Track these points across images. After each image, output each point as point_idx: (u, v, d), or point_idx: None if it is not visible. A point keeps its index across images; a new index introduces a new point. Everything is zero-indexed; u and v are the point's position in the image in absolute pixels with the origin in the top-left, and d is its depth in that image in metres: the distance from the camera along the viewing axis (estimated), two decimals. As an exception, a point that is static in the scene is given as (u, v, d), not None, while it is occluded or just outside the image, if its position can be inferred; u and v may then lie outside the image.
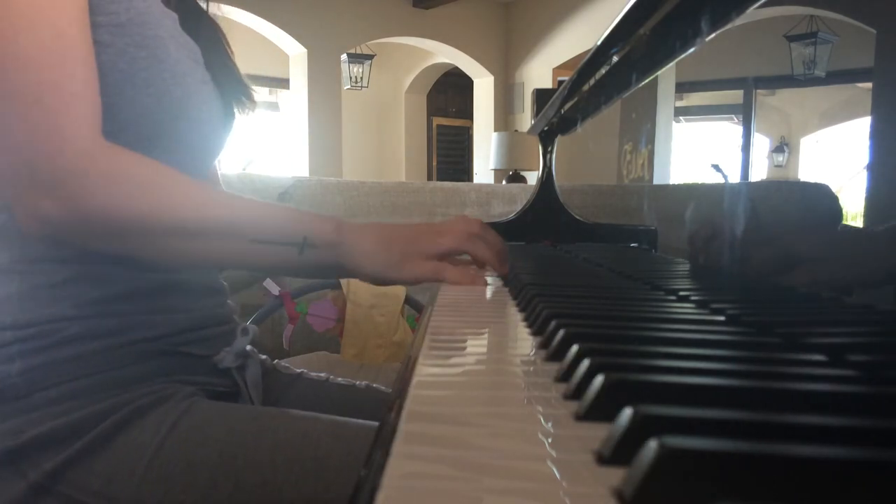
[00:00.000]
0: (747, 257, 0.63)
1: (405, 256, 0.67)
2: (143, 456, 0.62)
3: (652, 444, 0.18)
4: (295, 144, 6.33)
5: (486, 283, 0.71)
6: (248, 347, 0.80)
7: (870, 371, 0.30)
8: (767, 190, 0.70)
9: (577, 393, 0.28)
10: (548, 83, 6.07)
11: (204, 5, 0.82)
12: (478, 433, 0.25)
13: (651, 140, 1.08)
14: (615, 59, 0.82)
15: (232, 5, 5.50)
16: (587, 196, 1.43)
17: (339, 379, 0.88)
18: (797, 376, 0.31)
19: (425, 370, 0.33)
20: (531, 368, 0.35)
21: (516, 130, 6.18)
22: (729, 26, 0.58)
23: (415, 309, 1.72)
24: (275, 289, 1.62)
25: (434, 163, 8.41)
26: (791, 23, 0.61)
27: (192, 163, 0.75)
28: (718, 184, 0.75)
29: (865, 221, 0.46)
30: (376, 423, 0.30)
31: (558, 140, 1.32)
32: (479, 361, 0.39)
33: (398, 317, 1.68)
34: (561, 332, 0.37)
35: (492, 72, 6.96)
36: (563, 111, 1.17)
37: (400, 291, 1.69)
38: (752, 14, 0.55)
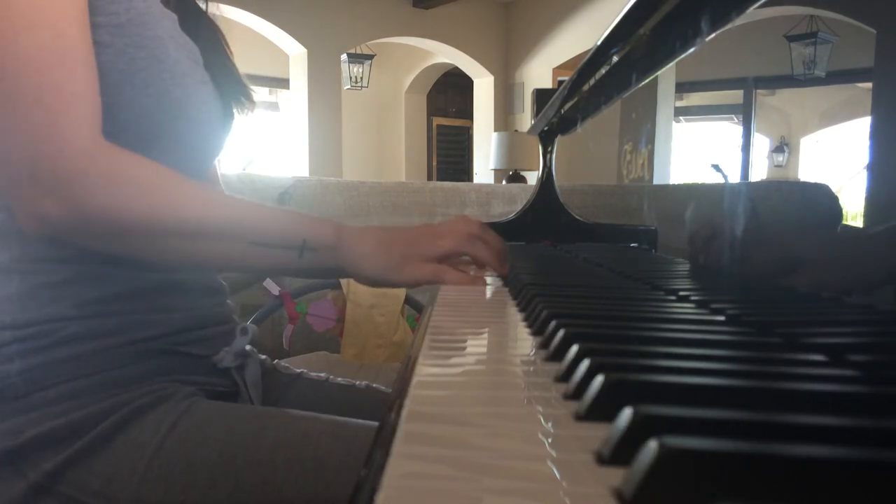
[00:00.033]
0: (747, 257, 0.63)
1: (405, 259, 0.68)
2: (143, 456, 0.62)
3: (652, 444, 0.18)
4: (295, 144, 6.33)
5: (485, 284, 0.71)
6: (248, 347, 0.80)
7: (870, 371, 0.30)
8: (767, 190, 0.70)
9: (577, 393, 0.28)
10: (548, 83, 6.07)
11: (203, 6, 0.82)
12: (478, 433, 0.25)
13: (651, 140, 1.08)
14: (615, 59, 0.82)
15: (232, 5, 5.50)
16: (587, 196, 1.43)
17: (339, 379, 0.88)
18: (797, 376, 0.31)
19: (425, 370, 0.33)
20: (531, 368, 0.35)
21: (516, 130, 6.18)
22: (729, 26, 0.58)
23: (415, 309, 1.72)
24: (275, 289, 1.62)
25: (434, 163, 8.41)
26: (791, 23, 0.61)
27: (192, 163, 0.75)
28: (718, 184, 0.75)
29: (865, 221, 0.46)
30: (376, 423, 0.30)
31: (558, 140, 1.32)
32: (479, 361, 0.39)
33: (398, 317, 1.68)
34: (561, 332, 0.37)
35: (492, 72, 6.96)
36: (563, 111, 1.17)
37: (400, 291, 1.69)
38: (752, 14, 0.55)
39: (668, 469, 0.18)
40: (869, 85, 0.49)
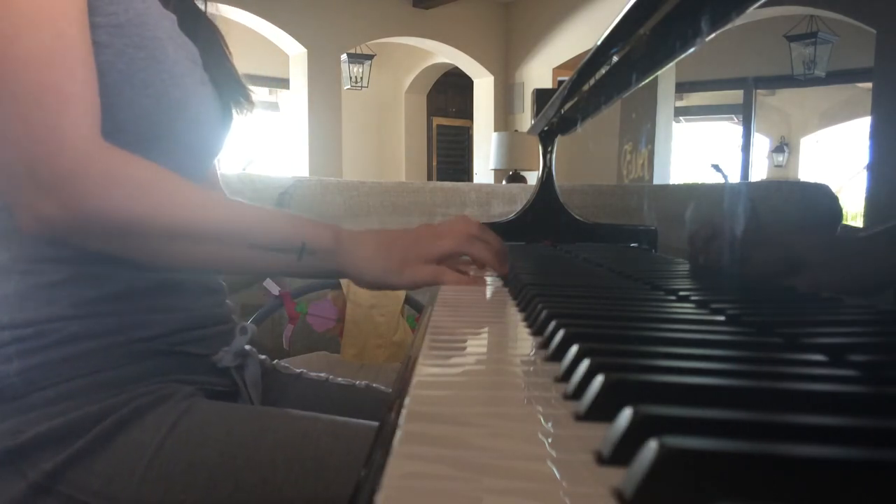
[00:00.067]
0: (747, 257, 0.63)
1: (404, 261, 0.68)
2: (144, 456, 0.62)
3: (652, 444, 0.18)
4: (295, 144, 6.33)
5: (486, 284, 0.71)
6: (248, 347, 0.80)
7: (870, 371, 0.30)
8: (767, 190, 0.70)
9: (577, 393, 0.28)
10: (548, 83, 6.07)
11: (202, 6, 0.82)
12: (478, 433, 0.25)
13: (651, 140, 1.08)
14: (615, 59, 0.82)
15: (232, 5, 5.50)
16: (587, 196, 1.43)
17: (339, 379, 0.88)
18: (797, 376, 0.31)
19: (425, 370, 0.33)
20: (531, 368, 0.35)
21: (516, 130, 6.18)
22: (729, 26, 0.58)
23: (415, 309, 1.72)
24: (275, 289, 1.62)
25: (434, 163, 8.41)
26: (791, 23, 0.61)
27: (191, 163, 0.75)
28: (718, 184, 0.75)
29: (865, 221, 0.46)
30: (376, 423, 0.30)
31: (558, 140, 1.32)
32: (479, 361, 0.39)
33: (398, 317, 1.68)
34: (561, 332, 0.37)
35: (492, 72, 6.95)
36: (563, 111, 1.17)
37: (400, 292, 1.69)
38: (752, 14, 0.55)
39: (668, 469, 0.18)
40: (869, 85, 0.49)
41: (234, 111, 0.82)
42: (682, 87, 0.97)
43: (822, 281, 0.50)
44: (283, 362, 0.90)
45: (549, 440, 0.24)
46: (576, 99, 1.08)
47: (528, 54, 6.70)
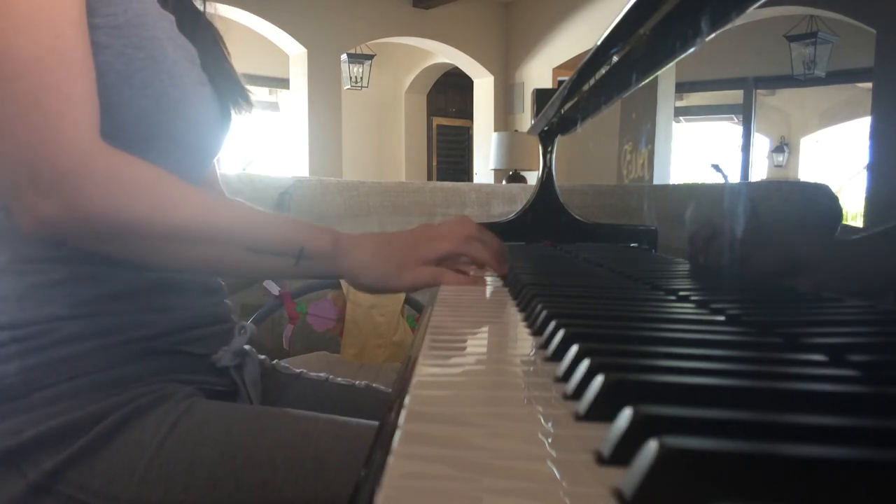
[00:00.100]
0: (747, 257, 0.63)
1: (402, 264, 0.68)
2: (144, 455, 0.62)
3: (652, 444, 0.18)
4: (295, 144, 6.33)
5: (486, 284, 0.71)
6: (247, 347, 0.80)
7: (870, 371, 0.30)
8: (767, 190, 0.70)
9: (577, 393, 0.28)
10: (548, 83, 6.07)
11: (201, 7, 0.82)
12: (478, 433, 0.25)
13: (651, 140, 1.08)
14: (615, 59, 0.82)
15: (232, 5, 5.50)
16: (587, 196, 1.43)
17: (339, 379, 0.88)
18: (797, 376, 0.31)
19: (425, 370, 0.33)
20: (531, 368, 0.35)
21: (516, 130, 6.18)
22: (729, 26, 0.58)
23: (415, 309, 1.72)
24: (275, 289, 1.62)
25: (434, 163, 8.41)
26: (791, 23, 0.61)
27: (190, 164, 0.75)
28: (718, 184, 0.75)
29: (865, 221, 0.46)
30: (376, 423, 0.30)
31: (558, 140, 1.32)
32: (479, 361, 0.39)
33: (398, 317, 1.69)
34: (561, 332, 0.37)
35: (492, 72, 6.95)
36: (563, 111, 1.17)
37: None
38: (752, 14, 0.55)
39: (668, 469, 0.18)
40: (869, 85, 0.49)
41: (232, 111, 0.82)
42: (682, 87, 0.97)
43: (822, 281, 0.50)
44: (283, 362, 0.90)
45: (549, 440, 0.24)
46: (576, 99, 1.08)
47: (528, 54, 6.70)
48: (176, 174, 0.64)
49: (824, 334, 0.37)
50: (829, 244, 0.53)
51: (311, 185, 2.11)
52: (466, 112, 8.01)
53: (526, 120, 6.58)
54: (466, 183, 3.88)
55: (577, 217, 1.28)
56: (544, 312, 0.44)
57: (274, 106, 7.54)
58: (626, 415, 0.22)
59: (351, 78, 6.68)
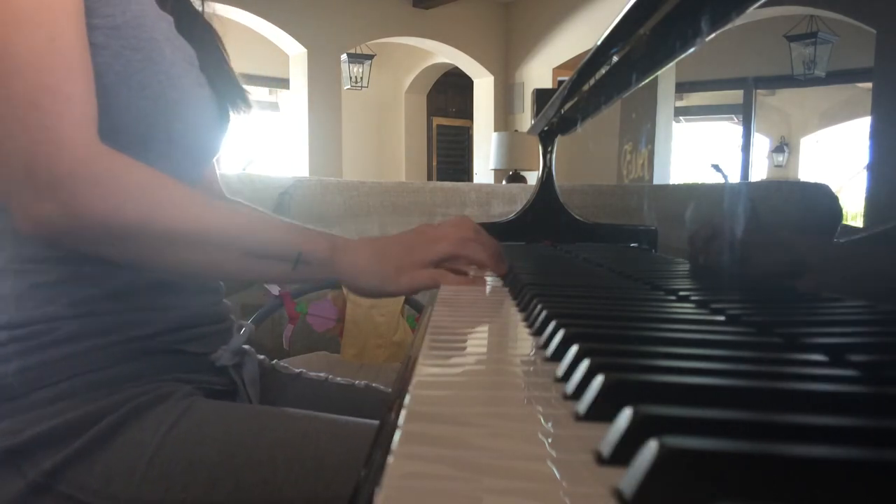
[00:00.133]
0: (747, 257, 0.63)
1: (401, 268, 0.68)
2: (143, 455, 0.62)
3: (652, 444, 0.18)
4: (295, 144, 6.33)
5: (485, 284, 0.71)
6: (246, 346, 0.80)
7: (870, 371, 0.30)
8: (767, 190, 0.70)
9: (577, 393, 0.28)
10: (548, 83, 6.07)
11: (199, 7, 0.82)
12: (478, 433, 0.25)
13: (651, 140, 1.08)
14: (615, 59, 0.82)
15: (232, 5, 5.50)
16: (587, 196, 1.43)
17: (339, 379, 0.88)
18: (797, 376, 0.31)
19: (425, 370, 0.33)
20: (531, 368, 0.35)
21: (516, 130, 6.18)
22: (729, 26, 0.58)
23: (415, 309, 1.72)
24: (275, 289, 1.62)
25: (434, 163, 8.41)
26: (791, 23, 0.61)
27: (188, 165, 0.75)
28: (718, 184, 0.75)
29: (865, 221, 0.46)
30: (375, 422, 0.30)
31: (558, 140, 1.32)
32: (479, 361, 0.39)
33: (398, 317, 1.68)
34: (561, 332, 0.37)
35: (492, 72, 6.95)
36: (563, 111, 1.17)
37: (400, 291, 1.69)
38: (752, 14, 0.55)
39: (668, 469, 0.18)
40: (869, 85, 0.49)
41: (231, 112, 0.82)
42: (682, 87, 0.96)
43: (822, 281, 0.50)
44: (283, 362, 0.90)
45: (549, 440, 0.24)
46: (576, 99, 1.08)
47: (528, 54, 6.70)
48: (174, 175, 0.64)
49: (824, 334, 0.37)
50: (828, 244, 0.53)
51: (311, 186, 2.11)
52: (466, 112, 8.01)
53: (526, 120, 6.58)
54: (466, 183, 3.88)
55: (577, 217, 1.28)
56: (544, 312, 0.44)
57: (274, 106, 7.54)
58: (625, 415, 0.22)
59: (351, 78, 6.67)
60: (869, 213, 0.46)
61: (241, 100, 0.83)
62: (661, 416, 0.21)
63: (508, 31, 6.98)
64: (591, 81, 0.95)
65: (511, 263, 0.76)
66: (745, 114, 0.74)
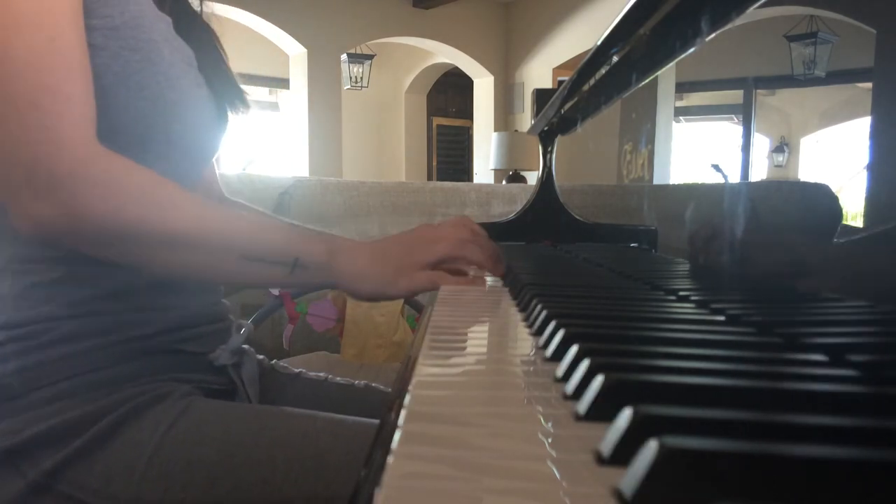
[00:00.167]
0: (747, 257, 0.63)
1: (399, 271, 0.68)
2: (143, 454, 0.62)
3: (652, 444, 0.18)
4: (295, 144, 6.33)
5: (485, 284, 0.71)
6: (245, 346, 0.80)
7: (870, 371, 0.30)
8: (767, 190, 0.70)
9: (577, 393, 0.28)
10: (548, 83, 6.07)
11: (197, 8, 0.82)
12: (478, 433, 0.25)
13: (651, 140, 1.08)
14: (615, 59, 0.82)
15: (231, 5, 5.50)
16: (587, 196, 1.43)
17: (338, 378, 0.88)
18: (797, 376, 0.31)
19: (425, 370, 0.33)
20: (531, 368, 0.35)
21: (516, 130, 6.18)
22: (729, 26, 0.58)
23: (415, 309, 1.72)
24: (275, 289, 1.62)
25: (434, 163, 8.41)
26: (791, 23, 0.61)
27: (187, 165, 0.75)
28: (718, 184, 0.75)
29: (865, 221, 0.46)
30: (375, 421, 0.30)
31: (558, 140, 1.32)
32: (479, 361, 0.39)
33: (398, 317, 1.68)
34: (561, 333, 0.37)
35: (492, 72, 6.95)
36: (563, 111, 1.17)
37: (400, 291, 1.68)
38: (752, 14, 0.55)
39: (668, 469, 0.17)
40: (869, 85, 0.49)
41: (229, 112, 0.82)
42: (682, 87, 0.96)
43: (822, 281, 0.50)
44: (283, 362, 0.90)
45: (549, 440, 0.24)
46: (576, 99, 1.08)
47: (528, 54, 6.70)
48: (173, 176, 0.64)
49: (824, 334, 0.37)
50: (829, 244, 0.53)
51: (311, 186, 2.11)
52: (466, 112, 8.01)
53: (526, 120, 6.58)
54: (466, 183, 3.88)
55: (577, 217, 1.28)
56: (544, 312, 0.44)
57: (274, 106, 7.54)
58: (625, 415, 0.22)
59: (351, 78, 6.68)
60: (869, 213, 0.46)
61: (239, 100, 0.83)
62: (661, 416, 0.21)
63: (508, 31, 6.98)
64: (591, 81, 0.95)
65: (511, 263, 0.76)
66: (745, 114, 0.74)
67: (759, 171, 0.69)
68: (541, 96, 1.29)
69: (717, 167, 0.75)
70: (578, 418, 0.26)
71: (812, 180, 0.60)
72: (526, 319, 0.49)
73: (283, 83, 6.77)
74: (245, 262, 0.65)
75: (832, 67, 0.57)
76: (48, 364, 0.63)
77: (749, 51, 0.71)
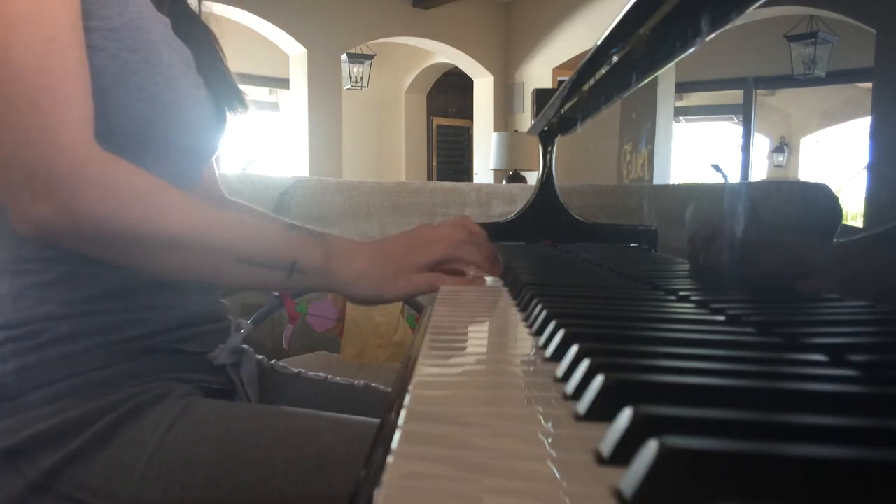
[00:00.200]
0: (747, 257, 0.63)
1: (397, 273, 0.68)
2: (143, 454, 0.62)
3: (652, 444, 0.18)
4: (295, 144, 6.33)
5: (485, 284, 0.71)
6: (244, 346, 0.80)
7: (870, 371, 0.30)
8: (767, 190, 0.70)
9: (577, 393, 0.28)
10: (548, 83, 6.07)
11: (196, 9, 0.82)
12: (478, 433, 0.25)
13: (651, 140, 1.08)
14: (615, 59, 0.82)
15: (231, 5, 5.50)
16: (587, 196, 1.43)
17: (338, 378, 0.88)
18: (797, 376, 0.30)
19: (425, 370, 0.33)
20: (531, 368, 0.35)
21: (516, 130, 6.18)
22: (729, 26, 0.58)
23: (415, 309, 1.72)
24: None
25: (434, 163, 8.41)
26: (791, 23, 0.61)
27: (185, 166, 0.75)
28: (718, 184, 0.75)
29: (865, 221, 0.46)
30: (375, 420, 0.30)
31: (558, 140, 1.32)
32: (479, 361, 0.39)
33: (398, 317, 1.68)
34: (561, 332, 0.37)
35: (492, 72, 6.95)
36: (563, 111, 1.17)
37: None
38: (752, 14, 0.55)
39: (668, 469, 0.17)
40: (869, 85, 0.49)
41: (228, 113, 0.82)
42: (682, 87, 0.96)
43: (822, 281, 0.50)
44: (283, 362, 0.90)
45: (549, 440, 0.24)
46: (576, 99, 1.08)
47: (528, 54, 6.70)
48: (172, 176, 0.64)
49: (824, 334, 0.37)
50: (829, 244, 0.53)
51: (311, 186, 2.11)
52: (466, 112, 8.01)
53: (526, 120, 6.58)
54: (466, 183, 3.88)
55: (577, 217, 1.28)
56: (544, 312, 0.44)
57: (274, 106, 7.54)
58: (625, 415, 0.22)
59: (351, 78, 6.67)
60: (869, 213, 0.46)
61: (238, 100, 0.83)
62: (660, 416, 0.21)
63: (508, 31, 6.98)
64: (591, 81, 0.95)
65: (511, 263, 0.76)
66: (745, 114, 0.74)
67: (759, 171, 0.69)
68: (541, 96, 1.29)
69: (717, 167, 0.75)
70: (578, 418, 0.26)
71: (812, 180, 0.60)
72: (526, 319, 0.49)
73: (282, 83, 6.77)
74: (242, 265, 0.65)
75: (832, 67, 0.57)
76: (47, 364, 0.63)
77: (749, 51, 0.71)
